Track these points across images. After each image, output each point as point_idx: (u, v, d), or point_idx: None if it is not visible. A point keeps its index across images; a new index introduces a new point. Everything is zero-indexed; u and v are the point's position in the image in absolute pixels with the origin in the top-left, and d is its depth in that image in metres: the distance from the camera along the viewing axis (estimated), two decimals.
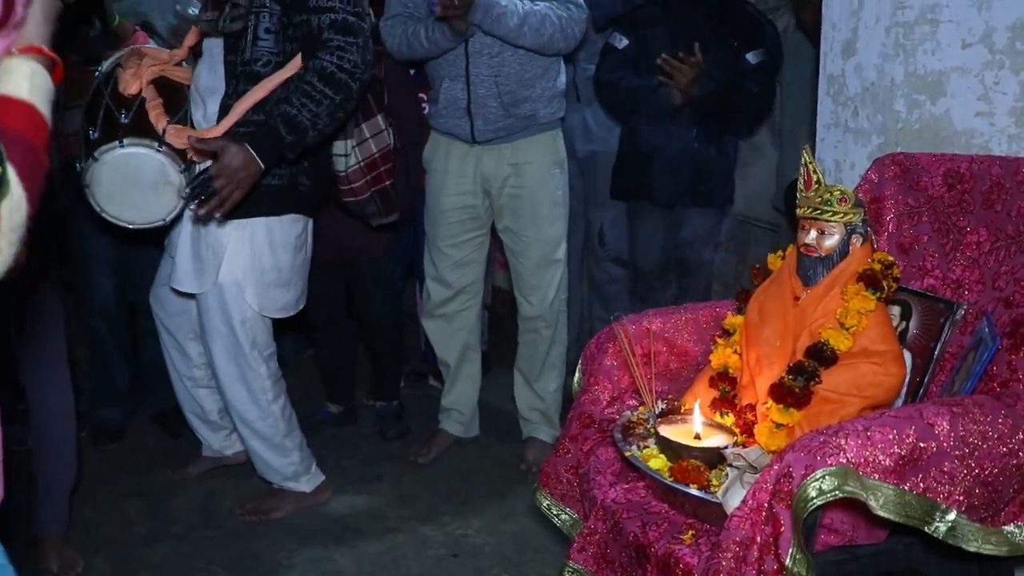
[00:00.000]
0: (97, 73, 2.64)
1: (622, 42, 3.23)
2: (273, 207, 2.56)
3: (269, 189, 2.50)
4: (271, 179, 2.49)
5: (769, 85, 3.18)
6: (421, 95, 3.35)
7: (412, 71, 3.34)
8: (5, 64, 1.09)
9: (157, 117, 2.48)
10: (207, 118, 2.51)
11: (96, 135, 2.45)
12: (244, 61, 2.45)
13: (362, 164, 2.77)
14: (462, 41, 2.89)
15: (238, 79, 2.47)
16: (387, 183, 2.83)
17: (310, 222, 2.74)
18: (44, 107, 1.09)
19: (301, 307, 2.80)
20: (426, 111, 3.23)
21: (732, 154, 3.31)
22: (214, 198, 2.31)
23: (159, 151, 2.43)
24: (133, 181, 2.44)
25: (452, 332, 3.27)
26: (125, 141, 2.42)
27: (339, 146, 2.75)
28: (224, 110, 2.48)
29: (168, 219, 2.53)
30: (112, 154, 2.41)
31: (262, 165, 2.35)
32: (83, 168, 2.43)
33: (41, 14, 1.13)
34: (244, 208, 2.44)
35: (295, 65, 2.43)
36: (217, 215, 2.36)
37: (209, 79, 2.54)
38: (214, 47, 2.53)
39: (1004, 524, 1.55)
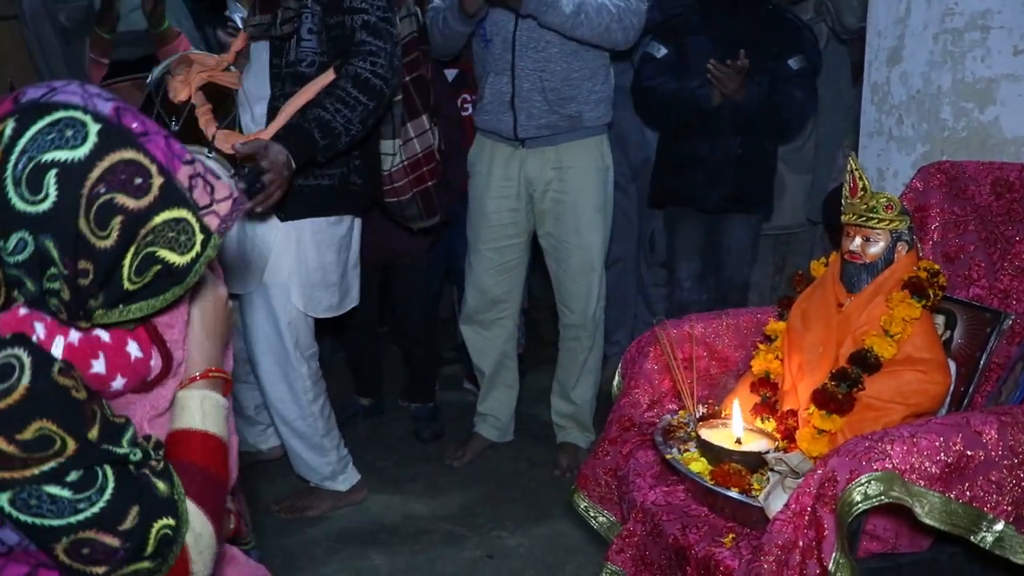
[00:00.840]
0: (148, 80, 2.68)
1: (660, 51, 3.22)
2: (323, 207, 2.59)
3: (319, 189, 2.53)
4: (322, 179, 2.53)
5: (812, 90, 3.17)
6: (465, 96, 3.37)
7: (455, 72, 3.36)
8: (179, 400, 1.20)
9: (206, 123, 2.52)
10: (255, 121, 2.55)
11: None
12: (289, 63, 2.48)
13: (405, 163, 2.79)
14: (473, 24, 2.90)
15: (284, 81, 2.50)
16: (429, 183, 2.85)
17: (358, 221, 2.76)
18: (217, 427, 1.20)
19: (350, 307, 2.82)
20: (469, 112, 3.25)
21: (773, 161, 3.30)
22: (261, 193, 2.35)
23: (208, 157, 2.47)
24: None
25: (488, 340, 3.27)
26: None
27: (387, 145, 2.77)
28: (272, 113, 2.51)
29: None
30: None
31: (294, 166, 2.38)
32: None
33: (202, 333, 1.22)
34: (297, 208, 2.47)
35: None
36: (259, 209, 2.39)
37: (256, 83, 2.58)
38: (260, 51, 2.56)
39: None
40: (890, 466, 1.38)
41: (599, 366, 3.26)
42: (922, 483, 1.40)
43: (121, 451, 1.03)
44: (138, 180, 1.00)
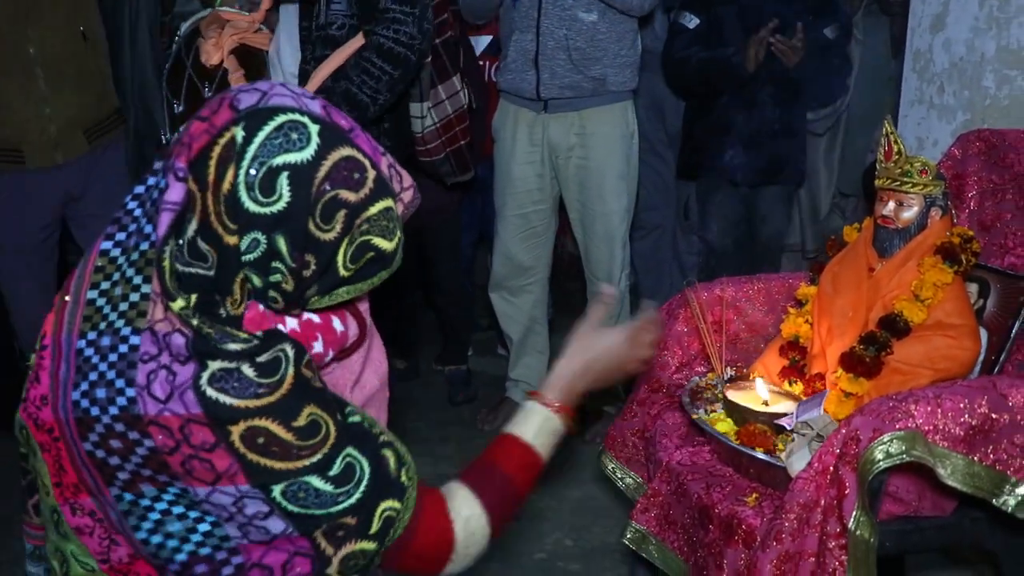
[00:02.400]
0: (176, 37, 2.70)
1: (692, 21, 3.20)
2: None
3: None
4: None
5: (847, 58, 3.15)
6: (498, 63, 3.38)
7: (490, 38, 3.36)
8: (528, 407, 1.29)
9: None
10: (287, 82, 2.58)
11: (180, 108, 2.52)
12: (319, 26, 2.50)
13: (438, 125, 2.82)
14: None
15: (314, 44, 2.52)
16: (462, 143, 2.87)
17: None
18: (544, 448, 1.28)
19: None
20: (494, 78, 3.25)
21: (804, 130, 3.27)
22: None
23: None
24: None
25: (516, 307, 3.29)
26: None
27: (415, 108, 2.79)
28: (303, 76, 2.53)
29: None
30: None
31: None
32: (169, 140, 2.51)
33: (568, 381, 1.31)
34: None
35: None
36: None
37: (287, 45, 2.59)
38: (290, 13, 2.57)
39: None
40: (913, 426, 1.38)
41: None
42: (945, 444, 1.41)
43: (357, 423, 1.10)
44: (356, 175, 1.06)
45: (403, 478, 1.12)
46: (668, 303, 2.10)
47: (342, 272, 1.08)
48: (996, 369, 1.79)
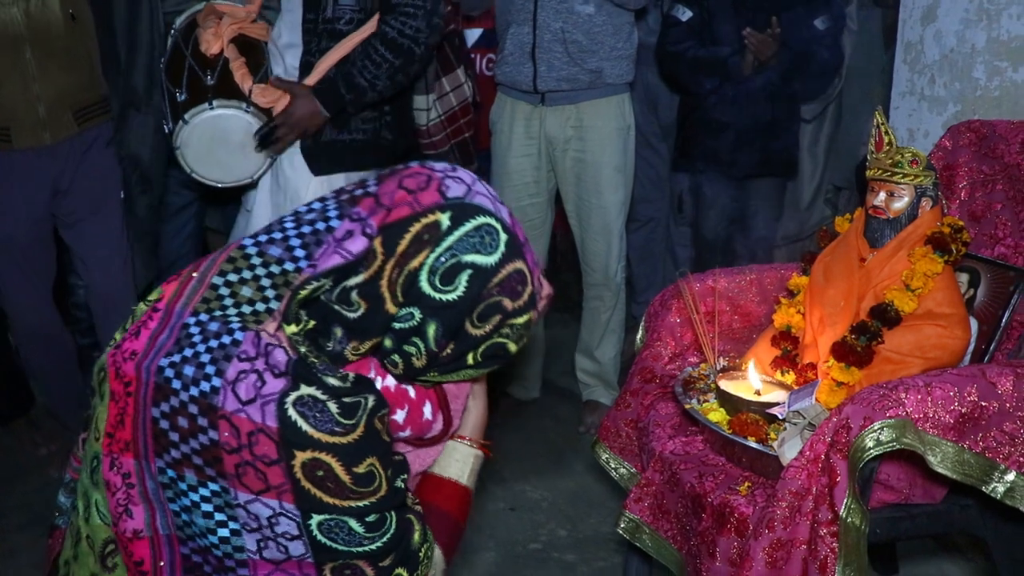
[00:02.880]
0: (172, 30, 2.70)
1: (685, 14, 3.21)
2: (356, 161, 2.64)
3: (353, 144, 2.58)
4: (355, 133, 2.58)
5: (839, 50, 3.15)
6: (491, 55, 3.39)
7: (480, 31, 3.37)
8: (453, 447, 1.35)
9: (243, 77, 2.54)
10: (288, 73, 2.58)
11: (183, 97, 2.52)
12: (326, 19, 2.51)
13: (443, 118, 2.84)
14: None
15: (320, 37, 2.53)
16: (467, 135, 2.90)
17: None
18: (472, 484, 1.35)
19: None
20: (490, 72, 3.26)
21: (797, 123, 3.28)
22: (278, 143, 2.48)
23: (247, 111, 2.50)
24: (221, 141, 2.52)
25: None
26: (214, 103, 2.48)
27: (420, 100, 2.81)
28: (305, 67, 2.54)
29: (255, 177, 2.61)
30: (202, 116, 2.48)
31: (326, 114, 2.47)
32: (172, 130, 2.51)
33: (484, 402, 1.39)
34: (329, 162, 2.53)
35: (375, 23, 2.49)
36: (272, 154, 2.52)
37: (289, 36, 2.60)
38: (293, 4, 2.58)
39: None
40: (903, 414, 1.40)
41: (622, 325, 3.28)
42: (935, 432, 1.42)
43: (403, 490, 1.16)
44: (520, 287, 1.14)
45: (421, 554, 1.19)
46: (661, 294, 2.11)
47: (469, 362, 1.17)
48: (986, 358, 1.81)
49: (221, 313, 1.12)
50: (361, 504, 1.09)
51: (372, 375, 1.18)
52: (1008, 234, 1.90)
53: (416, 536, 1.17)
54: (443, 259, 1.09)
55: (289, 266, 1.15)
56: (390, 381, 1.20)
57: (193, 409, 1.08)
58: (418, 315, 1.10)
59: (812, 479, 1.46)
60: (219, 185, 2.57)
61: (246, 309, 1.13)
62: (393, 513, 1.13)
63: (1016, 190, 1.91)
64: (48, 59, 2.55)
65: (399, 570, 1.15)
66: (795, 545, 1.46)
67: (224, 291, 1.15)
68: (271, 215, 2.68)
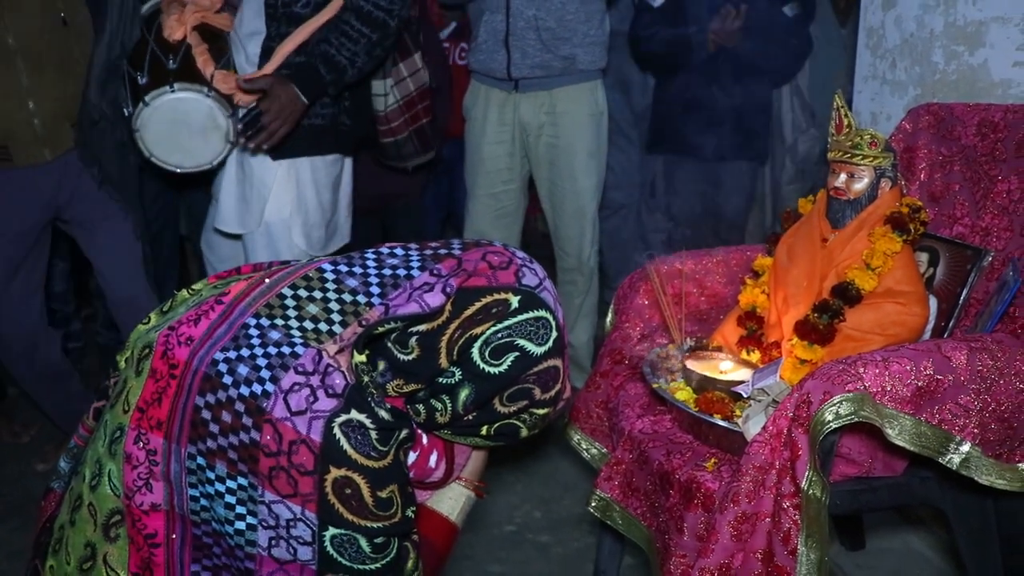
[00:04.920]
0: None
1: (657, 1, 3.26)
2: (315, 146, 2.63)
3: (312, 129, 2.58)
4: (313, 119, 2.57)
5: (806, 36, 3.21)
6: (464, 44, 3.40)
7: (453, 24, 3.38)
8: (453, 488, 1.44)
9: (205, 63, 2.54)
10: (249, 61, 2.58)
11: (144, 80, 2.52)
12: (284, 3, 2.51)
13: (401, 103, 2.84)
14: None
15: (279, 22, 2.52)
16: (424, 121, 2.90)
17: (349, 161, 2.81)
18: (461, 522, 1.45)
19: (340, 245, 2.88)
20: (465, 61, 3.27)
21: (768, 106, 3.33)
22: (262, 133, 2.41)
23: (208, 96, 2.50)
24: (182, 125, 2.51)
25: None
26: (175, 86, 2.48)
27: (378, 86, 2.81)
28: (266, 53, 2.54)
29: (215, 163, 2.60)
30: (162, 99, 2.48)
31: (306, 101, 2.44)
32: (132, 113, 2.51)
33: (479, 464, 1.47)
34: (288, 147, 2.52)
35: (336, 6, 2.49)
36: (264, 147, 2.46)
37: (252, 23, 2.60)
38: None
39: (1019, 461, 1.60)
40: (862, 388, 1.43)
41: (595, 309, 3.32)
42: (893, 405, 1.46)
43: (412, 520, 1.23)
44: (552, 383, 1.22)
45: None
46: (630, 277, 2.15)
47: (483, 433, 1.25)
48: (946, 334, 1.85)
49: (283, 323, 1.20)
50: (376, 526, 1.16)
51: None
52: (965, 214, 1.94)
53: (410, 564, 1.24)
54: (500, 335, 1.17)
55: (362, 299, 1.23)
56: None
57: (240, 407, 1.14)
58: (459, 376, 1.18)
59: (775, 453, 1.50)
60: (178, 170, 2.56)
61: (308, 325, 1.20)
62: (397, 539, 1.20)
63: (973, 171, 1.95)
64: (42, 71, 2.49)
65: None
66: (760, 518, 1.50)
67: (290, 303, 1.22)
68: (236, 204, 2.68)
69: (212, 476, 1.17)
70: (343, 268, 1.27)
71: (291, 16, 2.50)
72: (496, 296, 1.19)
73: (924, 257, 1.92)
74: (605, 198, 3.44)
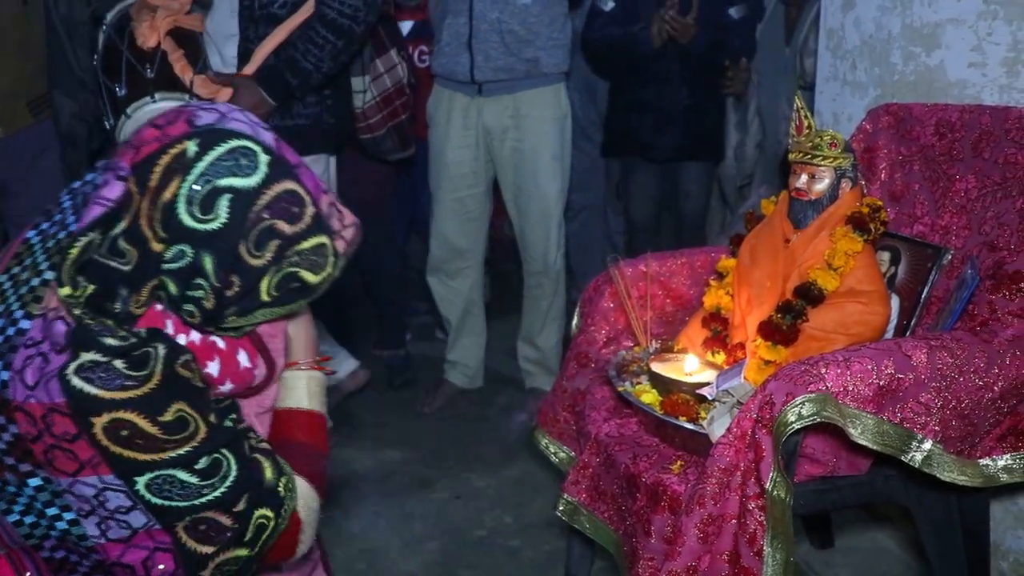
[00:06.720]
0: (104, 25, 2.66)
1: (608, 5, 3.30)
2: (299, 147, 2.62)
3: (296, 129, 2.58)
4: (296, 119, 2.58)
5: (750, 40, 3.26)
6: (422, 47, 3.40)
7: (412, 23, 3.38)
8: (287, 380, 1.33)
9: (182, 69, 2.52)
10: (226, 63, 2.56)
11: (123, 92, 2.49)
12: (262, 4, 2.51)
13: (378, 99, 2.85)
14: None
15: (257, 23, 2.52)
16: (403, 117, 2.92)
17: (333, 159, 2.81)
18: (321, 406, 1.33)
19: None
20: (427, 64, 3.27)
21: (722, 107, 3.37)
22: None
23: (188, 103, 2.49)
24: None
25: (454, 290, 3.33)
26: (156, 96, 2.47)
27: (356, 82, 2.82)
28: (243, 55, 2.53)
29: None
30: (144, 110, 2.46)
31: (272, 103, 2.46)
32: (114, 125, 2.48)
33: (308, 320, 1.35)
34: None
35: (311, 6, 2.49)
36: None
37: (222, 23, 2.58)
38: None
39: (980, 457, 1.62)
40: (824, 388, 1.44)
41: (563, 312, 3.33)
42: (855, 405, 1.47)
43: (231, 429, 1.13)
44: (295, 209, 1.10)
45: (280, 489, 1.15)
46: (595, 280, 2.15)
47: (264, 297, 1.12)
48: (908, 333, 1.87)
49: (4, 307, 1.09)
50: (181, 452, 1.05)
51: (169, 331, 1.13)
52: (925, 213, 1.96)
53: (268, 473, 1.14)
54: (197, 187, 1.04)
55: (62, 234, 1.10)
56: (195, 336, 1.15)
57: None
58: (190, 251, 1.06)
59: (739, 455, 1.50)
60: None
61: (23, 290, 1.09)
62: (230, 455, 1.10)
63: (931, 170, 1.97)
64: (2, 46, 2.45)
65: (261, 511, 1.12)
66: (725, 520, 1.50)
67: (7, 284, 1.11)
68: None
69: (11, 491, 1.09)
70: (44, 225, 1.14)
71: (269, 17, 2.51)
72: (171, 152, 1.05)
73: (886, 256, 1.93)
74: (568, 200, 3.47)
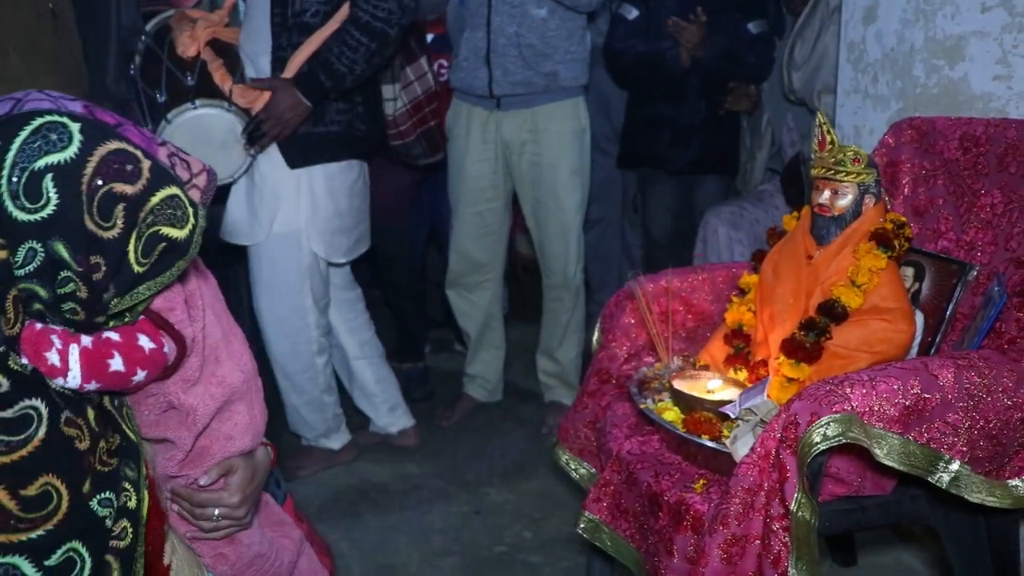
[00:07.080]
0: (143, 35, 2.70)
1: (632, 13, 3.30)
2: (332, 153, 2.67)
3: (328, 136, 2.61)
4: (329, 126, 2.61)
5: (767, 56, 3.24)
6: (442, 61, 3.41)
7: (432, 36, 3.39)
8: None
9: (222, 77, 2.58)
10: (259, 75, 2.60)
11: (163, 98, 2.54)
12: (294, 13, 2.54)
13: (408, 107, 2.89)
14: None
15: (290, 32, 2.55)
16: (432, 123, 2.96)
17: (366, 166, 2.82)
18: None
19: (363, 251, 2.89)
20: (445, 78, 3.28)
21: (738, 121, 3.36)
22: (264, 138, 2.51)
23: (229, 111, 2.54)
24: (203, 141, 2.53)
25: (473, 303, 3.33)
26: (197, 102, 2.53)
27: (387, 90, 2.85)
28: (277, 64, 2.56)
29: (237, 176, 2.62)
30: (185, 116, 2.52)
31: (309, 104, 2.52)
32: (153, 131, 2.50)
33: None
34: (305, 155, 2.55)
35: (343, 15, 2.52)
36: (262, 149, 2.56)
37: (256, 37, 2.61)
38: (258, 5, 2.59)
39: (1009, 478, 1.59)
40: (849, 408, 1.42)
41: (582, 326, 3.32)
42: (881, 425, 1.45)
43: (101, 513, 1.03)
44: (129, 167, 1.01)
45: None
46: (616, 296, 2.14)
47: (136, 268, 1.04)
48: (932, 350, 1.85)
49: None
50: (34, 536, 0.95)
51: (58, 346, 1.04)
52: (950, 228, 1.94)
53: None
54: (15, 178, 0.96)
55: None
56: (86, 340, 1.07)
57: None
58: (37, 246, 0.98)
59: (763, 475, 1.48)
60: None
61: None
62: (86, 555, 0.99)
63: (956, 185, 1.95)
64: (35, 60, 2.47)
65: None
66: (749, 540, 1.49)
67: None
68: (247, 215, 2.68)
69: None
70: None
71: (302, 26, 2.55)
72: None
73: (910, 272, 1.91)
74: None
